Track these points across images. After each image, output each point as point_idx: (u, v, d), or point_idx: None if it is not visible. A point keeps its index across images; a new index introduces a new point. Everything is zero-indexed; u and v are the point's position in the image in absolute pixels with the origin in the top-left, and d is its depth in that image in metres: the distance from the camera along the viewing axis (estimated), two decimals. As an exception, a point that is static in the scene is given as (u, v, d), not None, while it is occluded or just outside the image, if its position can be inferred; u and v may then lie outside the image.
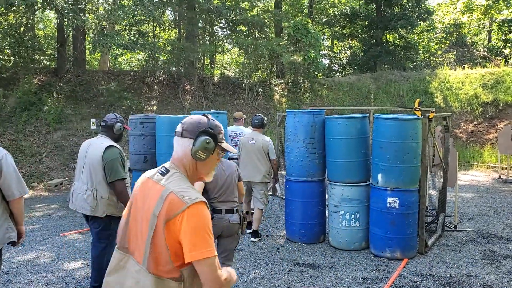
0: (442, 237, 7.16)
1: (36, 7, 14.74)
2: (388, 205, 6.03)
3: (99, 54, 20.55)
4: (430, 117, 6.26)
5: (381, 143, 6.08)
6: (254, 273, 5.67)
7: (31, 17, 17.51)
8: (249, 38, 18.98)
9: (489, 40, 27.18)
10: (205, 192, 4.42)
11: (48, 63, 18.68)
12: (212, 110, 9.44)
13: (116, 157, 4.55)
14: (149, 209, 1.99)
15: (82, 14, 14.03)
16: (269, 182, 7.38)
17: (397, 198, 6.02)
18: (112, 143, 4.68)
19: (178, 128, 2.19)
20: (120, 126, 4.80)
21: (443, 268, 5.79)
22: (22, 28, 16.63)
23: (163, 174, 2.09)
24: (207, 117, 2.22)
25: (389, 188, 6.06)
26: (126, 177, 4.67)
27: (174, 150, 2.17)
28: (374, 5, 24.93)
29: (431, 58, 27.06)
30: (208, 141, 2.09)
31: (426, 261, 6.08)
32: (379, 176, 6.17)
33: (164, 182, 2.03)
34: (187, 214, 1.89)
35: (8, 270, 5.80)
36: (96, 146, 4.65)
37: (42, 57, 18.49)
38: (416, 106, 6.34)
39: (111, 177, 4.51)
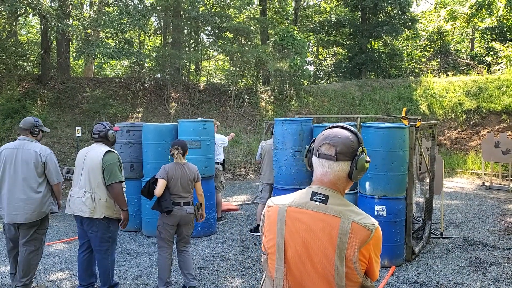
0: (428, 244, 7.21)
1: (19, 13, 14.58)
2: (376, 213, 6.05)
3: (82, 60, 20.40)
4: (417, 126, 6.32)
5: (369, 152, 6.06)
6: (243, 282, 5.65)
7: (14, 22, 17.30)
8: (235, 45, 19.00)
9: (472, 48, 27.56)
10: (167, 188, 5.11)
11: (31, 70, 18.47)
12: (199, 118, 9.44)
13: (114, 161, 4.87)
14: (327, 243, 1.89)
15: (67, 20, 13.93)
16: None
17: (384, 206, 6.05)
18: (110, 148, 5.00)
19: (327, 151, 1.97)
20: (112, 132, 5.13)
21: (430, 276, 5.83)
22: (4, 34, 16.42)
23: (323, 201, 1.93)
24: (349, 129, 2.03)
25: (376, 196, 6.09)
26: (124, 180, 4.98)
27: (320, 172, 1.99)
28: (359, 13, 25.15)
29: (416, 65, 27.32)
30: (367, 160, 1.97)
31: (414, 268, 6.12)
32: (367, 184, 6.20)
33: (334, 211, 1.91)
34: (373, 240, 1.88)
35: (-8, 281, 5.71)
36: (94, 152, 4.93)
37: (25, 64, 18.28)
38: (403, 114, 6.38)
39: (109, 180, 4.82)
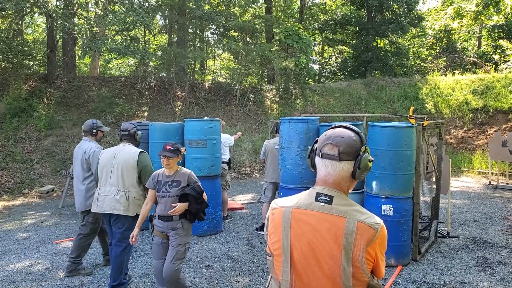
0: (435, 244, 7.19)
1: (25, 12, 14.62)
2: (383, 212, 6.04)
3: (89, 59, 20.45)
4: (424, 125, 6.30)
5: (376, 151, 6.09)
6: (250, 280, 5.65)
7: (20, 21, 17.35)
8: (240, 43, 18.99)
9: (479, 46, 27.42)
10: None
11: (38, 69, 18.53)
12: (205, 117, 9.45)
13: (149, 162, 5.18)
14: (333, 244, 1.88)
15: (73, 19, 13.97)
16: None
17: (391, 206, 6.03)
18: (140, 149, 5.24)
19: (330, 151, 1.96)
20: (141, 133, 5.48)
21: (437, 275, 5.81)
22: (11, 33, 16.48)
23: (328, 202, 1.93)
24: (352, 129, 2.02)
25: (383, 196, 6.08)
26: None
27: (323, 173, 1.99)
28: (365, 11, 25.06)
29: (422, 64, 27.21)
30: (370, 159, 1.96)
31: (420, 268, 6.11)
32: (374, 184, 6.19)
33: (339, 211, 1.90)
34: (379, 238, 1.88)
35: (2, 278, 5.75)
36: (126, 152, 5.18)
37: (31, 63, 18.34)
38: (411, 114, 6.36)
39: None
